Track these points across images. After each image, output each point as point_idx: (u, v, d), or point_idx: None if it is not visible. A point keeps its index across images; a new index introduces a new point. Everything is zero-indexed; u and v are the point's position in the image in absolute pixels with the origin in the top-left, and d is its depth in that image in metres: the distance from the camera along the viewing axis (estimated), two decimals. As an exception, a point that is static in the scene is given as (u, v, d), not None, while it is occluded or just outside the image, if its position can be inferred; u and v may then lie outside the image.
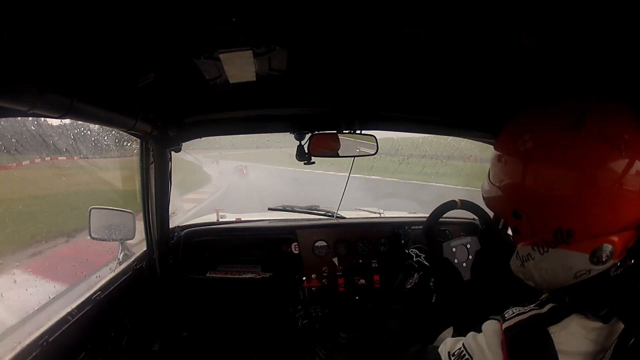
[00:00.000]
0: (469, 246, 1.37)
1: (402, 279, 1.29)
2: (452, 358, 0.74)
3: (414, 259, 1.29)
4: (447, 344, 0.79)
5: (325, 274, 1.93)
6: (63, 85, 0.79)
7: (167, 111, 1.41)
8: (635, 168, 0.59)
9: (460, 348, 0.73)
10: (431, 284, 1.27)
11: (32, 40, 0.65)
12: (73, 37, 0.70)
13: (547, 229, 0.65)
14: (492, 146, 0.84)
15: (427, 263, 1.27)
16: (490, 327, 0.71)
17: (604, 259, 0.63)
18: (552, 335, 0.62)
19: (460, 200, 1.48)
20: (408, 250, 1.34)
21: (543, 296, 0.72)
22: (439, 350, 0.79)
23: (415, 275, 1.25)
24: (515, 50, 0.83)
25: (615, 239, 0.62)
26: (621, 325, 0.60)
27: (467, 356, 0.71)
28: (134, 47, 0.79)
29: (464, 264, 1.35)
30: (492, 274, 1.32)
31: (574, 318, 0.63)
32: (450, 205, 1.48)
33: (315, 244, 1.95)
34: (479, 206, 1.51)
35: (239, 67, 0.93)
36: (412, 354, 0.87)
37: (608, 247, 0.62)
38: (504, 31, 0.74)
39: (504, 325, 0.68)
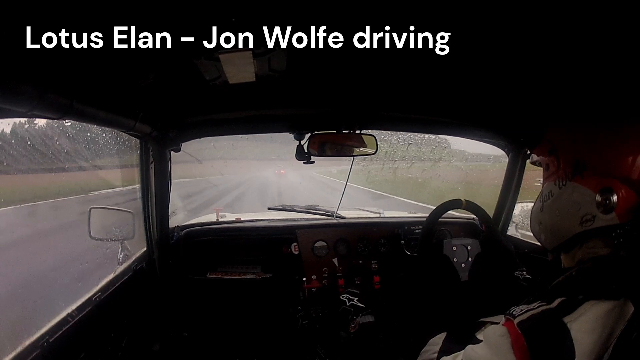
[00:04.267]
0: (469, 248, 1.37)
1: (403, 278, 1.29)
2: None
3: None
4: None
5: (326, 275, 1.92)
6: (63, 86, 0.79)
7: (167, 112, 1.41)
8: None
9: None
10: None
11: (33, 40, 0.65)
12: (73, 37, 0.70)
13: (568, 161, 0.75)
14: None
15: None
16: (494, 332, 0.71)
17: (607, 203, 0.67)
18: (567, 324, 0.63)
19: (465, 200, 1.49)
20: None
21: (553, 282, 0.72)
22: None
23: None
24: (518, 50, 0.83)
25: (621, 189, 0.66)
26: (631, 309, 0.61)
27: None
28: (134, 47, 0.79)
29: (463, 265, 1.35)
30: (490, 278, 1.32)
31: (587, 306, 0.63)
32: (456, 203, 1.48)
33: (315, 244, 1.95)
34: (482, 208, 1.52)
35: (239, 67, 0.93)
36: None
37: (613, 194, 0.66)
38: (508, 31, 0.74)
39: (516, 321, 0.67)
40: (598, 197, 0.68)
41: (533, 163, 0.90)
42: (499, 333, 0.69)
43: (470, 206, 1.48)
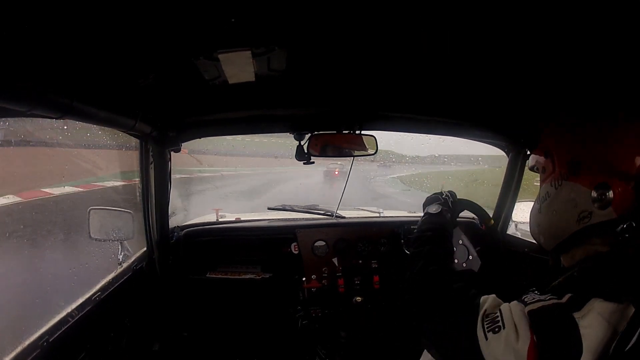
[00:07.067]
0: (470, 258, 1.33)
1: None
2: (486, 319, 0.72)
3: (443, 195, 1.19)
4: (489, 301, 0.76)
5: (325, 275, 1.92)
6: (63, 85, 0.79)
7: (167, 111, 1.41)
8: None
9: (496, 313, 0.71)
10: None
11: (32, 40, 0.65)
12: (73, 37, 0.70)
13: (563, 162, 0.76)
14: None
15: (449, 212, 1.17)
16: (517, 306, 0.70)
17: (603, 199, 0.68)
18: (577, 320, 0.63)
19: (493, 221, 1.40)
20: (442, 196, 1.22)
21: (558, 280, 0.72)
22: (481, 301, 0.76)
23: (439, 207, 1.13)
24: (517, 51, 0.83)
25: (617, 184, 0.67)
26: (632, 310, 0.61)
27: (499, 323, 0.69)
28: (134, 48, 0.79)
29: (456, 261, 1.32)
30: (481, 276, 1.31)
31: (594, 303, 0.64)
32: (485, 217, 1.31)
33: (315, 244, 1.95)
34: (479, 206, 1.47)
35: (238, 67, 0.93)
36: (456, 290, 0.82)
37: (608, 189, 0.67)
38: (507, 31, 0.74)
39: (527, 309, 0.68)
40: (594, 193, 0.69)
41: (531, 169, 0.92)
42: (520, 308, 0.70)
43: (490, 229, 1.37)
